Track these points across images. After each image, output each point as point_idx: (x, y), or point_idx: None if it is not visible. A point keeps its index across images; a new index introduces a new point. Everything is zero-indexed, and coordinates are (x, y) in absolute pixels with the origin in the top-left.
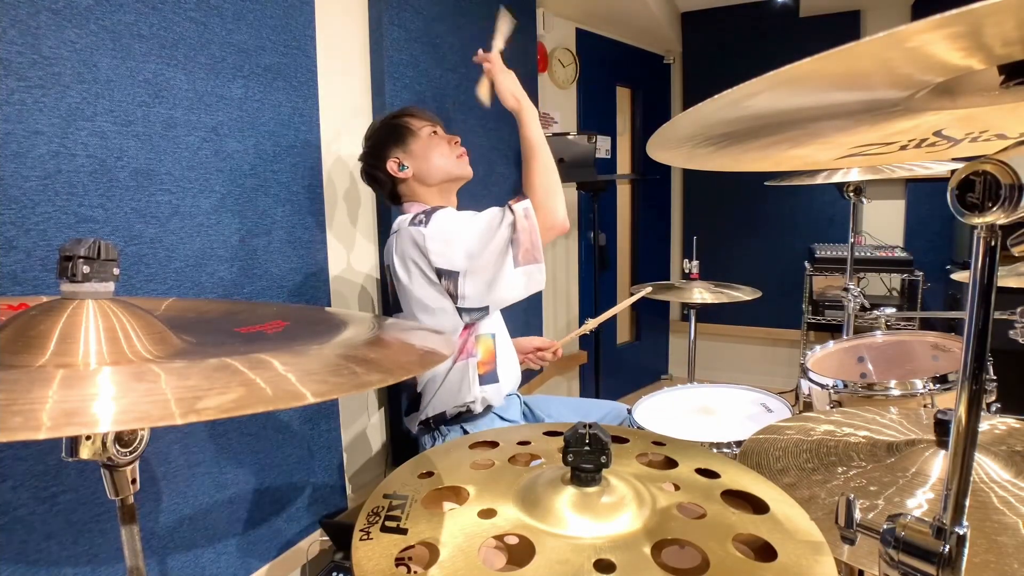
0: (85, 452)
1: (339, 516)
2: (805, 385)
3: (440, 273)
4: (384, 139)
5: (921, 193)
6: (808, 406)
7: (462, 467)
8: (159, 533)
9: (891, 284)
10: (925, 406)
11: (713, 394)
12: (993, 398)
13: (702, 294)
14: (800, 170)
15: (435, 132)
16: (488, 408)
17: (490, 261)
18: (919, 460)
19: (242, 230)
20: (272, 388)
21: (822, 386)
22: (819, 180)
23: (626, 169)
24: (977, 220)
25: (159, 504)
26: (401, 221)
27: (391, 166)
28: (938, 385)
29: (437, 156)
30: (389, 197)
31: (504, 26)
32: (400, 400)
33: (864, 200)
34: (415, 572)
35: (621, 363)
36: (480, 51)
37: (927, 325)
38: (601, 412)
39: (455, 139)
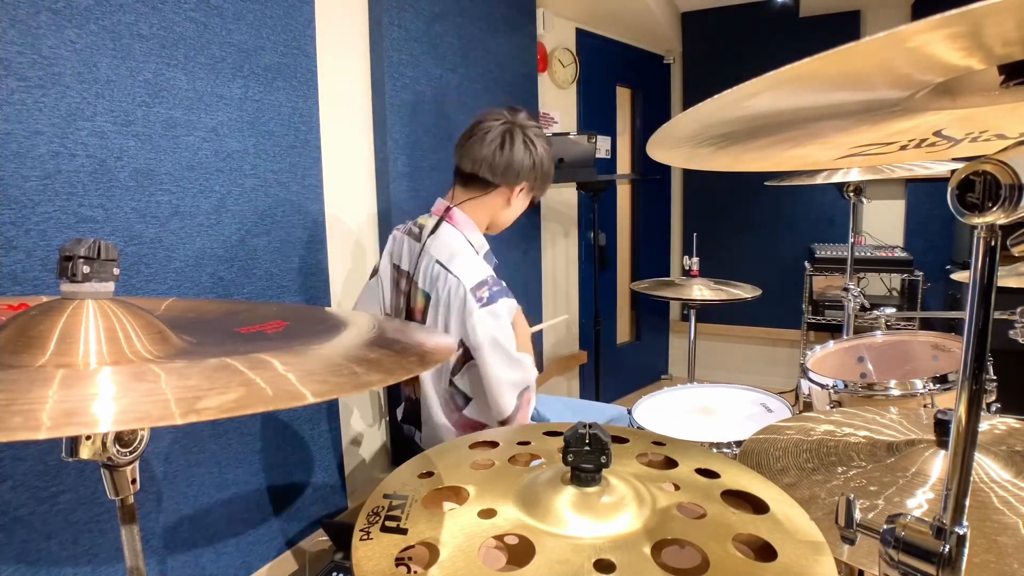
0: (85, 452)
1: (339, 516)
2: (805, 385)
3: (463, 345)
4: (548, 166)
5: (921, 193)
6: (808, 406)
7: (462, 467)
8: (159, 533)
9: (891, 284)
10: (925, 406)
11: (713, 394)
12: (993, 398)
13: (702, 291)
14: (800, 170)
15: None
16: None
17: (500, 390)
18: (919, 460)
19: (242, 230)
20: (272, 388)
21: (822, 386)
22: (819, 180)
23: (626, 169)
24: (977, 220)
25: (159, 504)
26: (458, 264)
27: (517, 188)
28: (938, 385)
29: (515, 216)
30: (475, 184)
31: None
32: (399, 399)
33: (864, 200)
34: (415, 572)
35: (621, 363)
36: None
37: (927, 325)
38: (604, 417)
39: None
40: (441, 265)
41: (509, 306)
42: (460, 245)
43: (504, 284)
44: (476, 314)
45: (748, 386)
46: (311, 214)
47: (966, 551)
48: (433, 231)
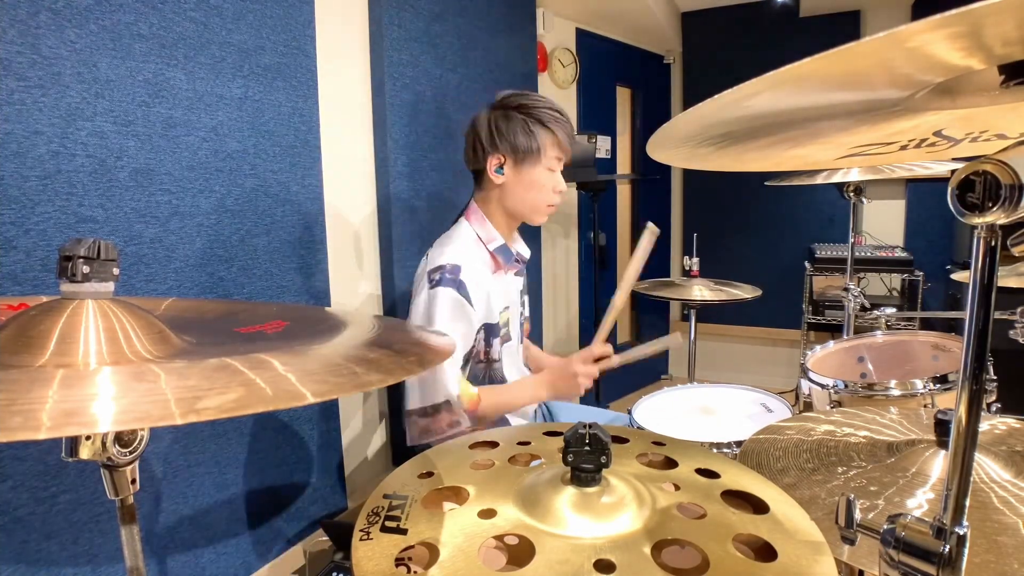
0: (85, 452)
1: (339, 516)
2: (805, 385)
3: None
4: (509, 133)
5: (921, 193)
6: (808, 406)
7: (462, 467)
8: (159, 533)
9: (891, 284)
10: (925, 406)
11: (713, 394)
12: (993, 398)
13: (702, 292)
14: (800, 170)
15: (553, 169)
16: None
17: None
18: (919, 460)
19: (242, 230)
20: (272, 388)
21: (822, 386)
22: (819, 180)
23: (626, 169)
24: (977, 220)
25: (159, 504)
26: (437, 249)
27: (491, 162)
28: (938, 385)
29: (535, 194)
30: (471, 170)
31: (647, 242)
32: (399, 399)
33: (864, 200)
34: (415, 572)
35: None
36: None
37: (927, 325)
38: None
39: (562, 191)
40: (428, 249)
41: (446, 295)
42: (460, 235)
43: (463, 280)
44: (422, 294)
45: (748, 386)
46: (311, 214)
47: (966, 551)
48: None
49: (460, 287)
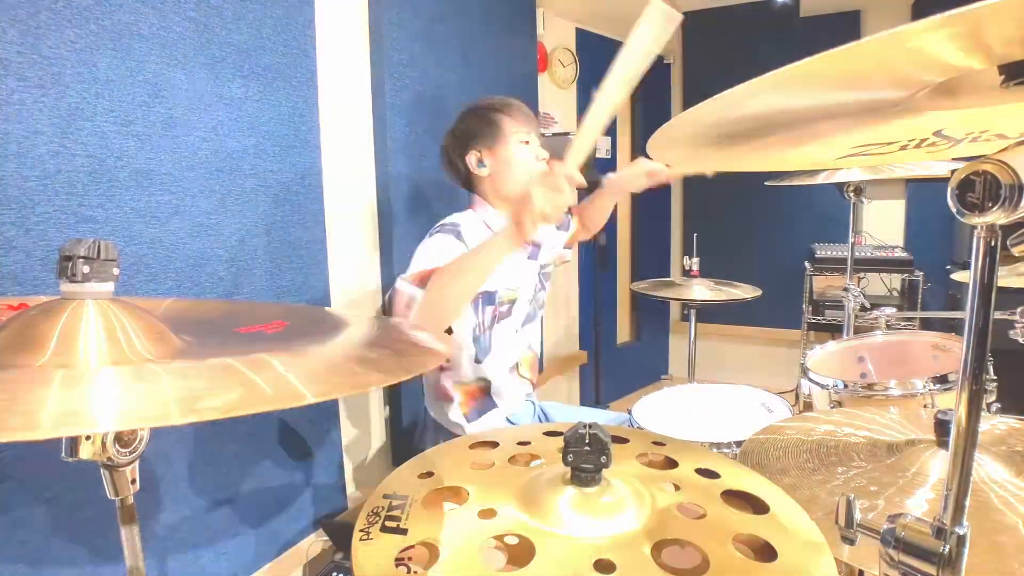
0: (85, 452)
1: (339, 516)
2: (805, 385)
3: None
4: (472, 129)
5: (921, 193)
6: (808, 406)
7: (462, 467)
8: (159, 533)
9: (891, 284)
10: (925, 406)
11: (713, 394)
12: (993, 398)
13: (702, 291)
14: (800, 170)
15: (527, 142)
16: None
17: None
18: (919, 460)
19: (242, 230)
20: (272, 388)
21: (822, 386)
22: (819, 180)
23: None
24: (977, 220)
25: (159, 504)
26: (443, 220)
27: (471, 160)
28: (938, 385)
29: (520, 169)
30: (463, 186)
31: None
32: (399, 399)
33: (864, 200)
34: (415, 572)
35: (621, 363)
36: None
37: (927, 325)
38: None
39: (544, 158)
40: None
41: (443, 237)
42: (461, 215)
43: (461, 231)
44: (419, 245)
45: (748, 386)
46: (311, 214)
47: (966, 551)
48: None
49: (459, 235)
